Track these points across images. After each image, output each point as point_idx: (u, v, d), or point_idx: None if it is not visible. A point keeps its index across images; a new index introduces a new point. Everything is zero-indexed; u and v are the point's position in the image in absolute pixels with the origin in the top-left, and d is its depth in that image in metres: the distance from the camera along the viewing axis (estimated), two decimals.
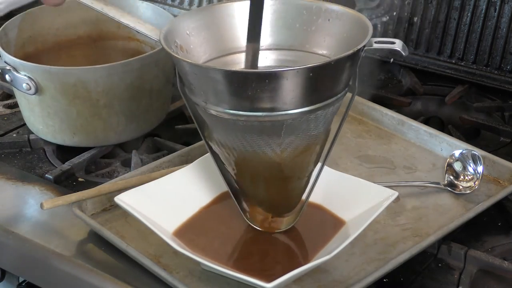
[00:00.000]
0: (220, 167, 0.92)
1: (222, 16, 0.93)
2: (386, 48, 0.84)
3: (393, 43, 0.84)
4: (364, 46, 0.83)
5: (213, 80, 0.81)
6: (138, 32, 0.92)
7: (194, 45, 0.91)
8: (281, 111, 0.81)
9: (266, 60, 0.93)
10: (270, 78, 0.79)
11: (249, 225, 0.94)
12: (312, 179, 0.92)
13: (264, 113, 0.81)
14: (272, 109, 0.81)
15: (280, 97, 0.80)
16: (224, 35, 0.93)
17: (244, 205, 0.94)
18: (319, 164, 0.92)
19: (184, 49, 0.89)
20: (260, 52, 0.90)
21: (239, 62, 0.92)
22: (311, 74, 0.80)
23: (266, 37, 0.93)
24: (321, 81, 0.81)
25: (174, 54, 0.84)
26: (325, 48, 0.91)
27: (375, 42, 0.84)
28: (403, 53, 0.84)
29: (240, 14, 0.92)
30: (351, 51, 0.81)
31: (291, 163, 0.86)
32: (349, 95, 0.88)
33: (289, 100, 0.81)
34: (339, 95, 0.85)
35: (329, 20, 0.90)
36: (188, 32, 0.90)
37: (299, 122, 0.83)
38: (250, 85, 0.79)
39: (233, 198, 0.93)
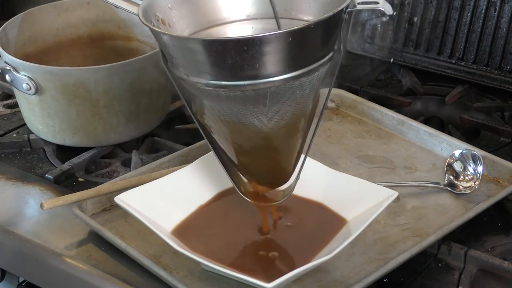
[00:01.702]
0: (211, 140, 0.90)
1: None
2: (370, 8, 0.82)
3: (376, 3, 0.82)
4: (346, 8, 0.81)
5: (192, 50, 0.80)
6: (117, 8, 0.90)
7: (177, 18, 0.89)
8: (263, 79, 0.79)
9: (252, 30, 0.92)
10: (249, 44, 0.77)
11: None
12: (304, 151, 0.90)
13: (246, 82, 0.79)
14: (253, 77, 0.79)
15: (261, 64, 0.78)
16: (207, 7, 0.91)
17: (237, 178, 0.92)
18: (306, 148, 0.90)
19: (166, 22, 0.88)
20: (245, 22, 0.89)
21: (223, 34, 0.91)
22: (290, 39, 0.78)
23: (251, 6, 0.92)
24: (303, 46, 0.80)
25: (152, 27, 0.83)
26: (310, 14, 0.89)
27: (358, 3, 0.82)
28: (387, 13, 0.82)
29: None
30: (330, 13, 0.79)
31: (279, 132, 0.85)
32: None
33: (270, 67, 0.79)
34: (323, 60, 0.83)
35: None
36: (169, 6, 0.89)
37: (283, 89, 0.81)
38: (229, 53, 0.78)
39: (225, 172, 0.91)
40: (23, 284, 1.05)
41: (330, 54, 0.84)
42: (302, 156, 0.91)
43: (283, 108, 0.83)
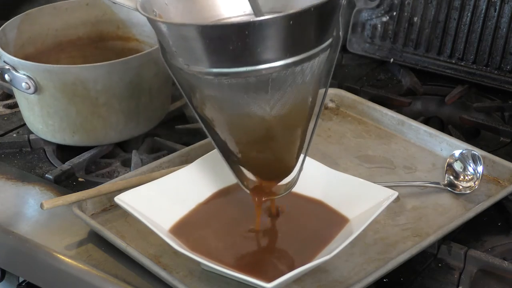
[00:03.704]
0: (212, 134, 0.90)
1: None
2: None
3: None
4: None
5: (192, 38, 0.80)
6: (115, 3, 0.91)
7: (173, 14, 0.90)
8: (265, 64, 0.80)
9: None
10: (249, 28, 0.77)
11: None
12: (306, 142, 0.91)
13: (248, 68, 0.80)
14: (255, 63, 0.79)
15: (262, 49, 0.79)
16: (204, 4, 0.92)
17: (240, 172, 0.92)
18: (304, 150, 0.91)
19: (163, 18, 0.88)
20: (242, 18, 0.89)
21: None
22: (291, 22, 0.78)
23: (247, 2, 0.91)
24: (303, 30, 0.80)
25: (152, 17, 0.83)
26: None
27: None
28: None
29: None
30: None
31: (281, 122, 0.85)
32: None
33: (271, 52, 0.79)
34: (323, 45, 0.83)
35: None
36: (166, 2, 0.89)
37: (284, 75, 0.81)
38: (230, 39, 0.78)
39: (228, 166, 0.91)
40: (23, 284, 1.05)
41: (330, 40, 0.85)
42: (303, 153, 0.91)
43: (285, 95, 0.83)
